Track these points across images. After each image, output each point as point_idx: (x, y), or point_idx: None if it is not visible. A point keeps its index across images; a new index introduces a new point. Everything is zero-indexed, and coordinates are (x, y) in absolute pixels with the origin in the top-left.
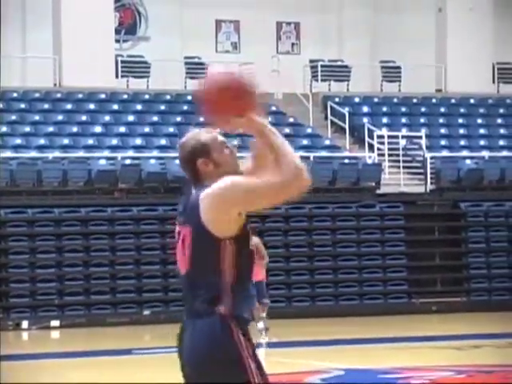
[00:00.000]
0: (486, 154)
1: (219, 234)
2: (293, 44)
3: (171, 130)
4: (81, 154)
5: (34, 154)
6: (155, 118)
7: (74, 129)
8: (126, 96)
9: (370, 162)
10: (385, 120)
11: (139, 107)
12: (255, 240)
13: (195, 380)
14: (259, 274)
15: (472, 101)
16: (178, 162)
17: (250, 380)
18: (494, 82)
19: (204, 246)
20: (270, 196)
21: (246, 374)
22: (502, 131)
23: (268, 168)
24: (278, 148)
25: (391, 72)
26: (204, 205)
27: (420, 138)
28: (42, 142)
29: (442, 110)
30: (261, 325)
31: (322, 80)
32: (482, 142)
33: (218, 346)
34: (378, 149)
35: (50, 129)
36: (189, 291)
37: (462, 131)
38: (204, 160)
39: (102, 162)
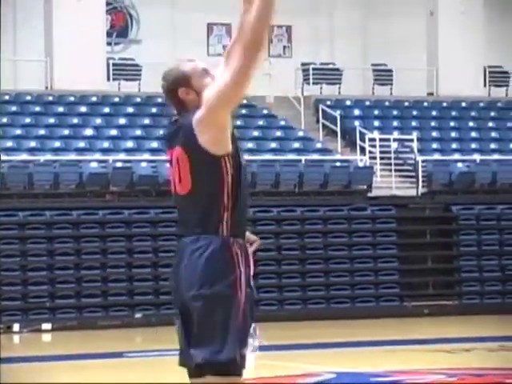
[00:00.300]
0: (477, 157)
1: (219, 151)
2: (284, 47)
3: (163, 132)
4: (72, 156)
5: (25, 156)
6: (147, 121)
7: (66, 132)
8: (117, 99)
9: (361, 165)
10: (376, 123)
11: (131, 110)
12: None
13: (189, 295)
14: None
15: (463, 104)
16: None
17: (239, 311)
18: (485, 85)
19: (204, 168)
20: (245, 76)
21: (238, 303)
22: (493, 134)
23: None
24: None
25: (383, 75)
26: (199, 128)
27: (412, 141)
28: (33, 144)
29: (434, 113)
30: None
31: (313, 83)
32: (473, 146)
33: (216, 261)
34: (370, 152)
35: (42, 132)
36: (188, 213)
37: (453, 134)
38: (185, 89)
39: (94, 164)
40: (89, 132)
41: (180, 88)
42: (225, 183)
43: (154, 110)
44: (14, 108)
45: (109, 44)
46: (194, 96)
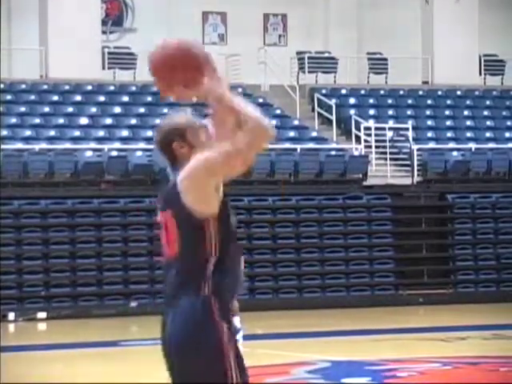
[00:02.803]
0: (472, 145)
1: (202, 212)
2: (280, 36)
3: (158, 121)
4: (67, 145)
5: (20, 145)
6: (142, 110)
7: (61, 120)
8: (112, 88)
9: (356, 153)
10: (372, 112)
11: (126, 99)
12: None
13: (176, 362)
14: None
15: (459, 93)
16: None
17: (226, 366)
18: (480, 73)
19: (188, 229)
20: (241, 156)
21: (223, 359)
22: (488, 123)
23: (229, 131)
24: (239, 111)
25: (378, 64)
26: (183, 187)
27: (407, 129)
28: (28, 133)
29: (429, 101)
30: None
31: (308, 72)
32: (468, 134)
33: (198, 326)
34: (365, 141)
35: (37, 120)
36: (173, 274)
37: (448, 123)
38: (179, 143)
39: (89, 153)
40: (84, 121)
41: (174, 141)
42: (209, 246)
43: (149, 98)
44: (8, 97)
45: (104, 33)
46: (188, 150)
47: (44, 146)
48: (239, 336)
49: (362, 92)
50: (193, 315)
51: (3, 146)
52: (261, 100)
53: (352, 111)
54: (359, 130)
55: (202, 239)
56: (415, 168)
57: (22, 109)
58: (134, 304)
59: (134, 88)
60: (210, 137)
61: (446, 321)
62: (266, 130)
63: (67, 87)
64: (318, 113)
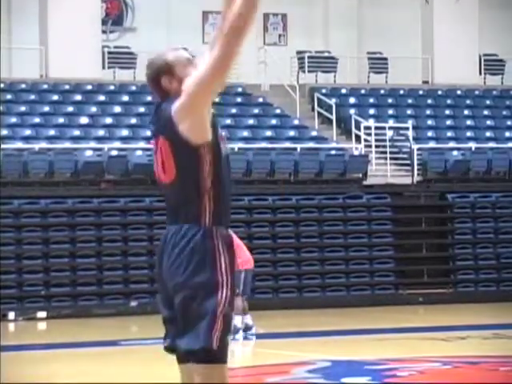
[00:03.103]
0: (472, 145)
1: (198, 139)
2: (280, 35)
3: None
4: (67, 145)
5: (20, 145)
6: (142, 110)
7: (61, 120)
8: (112, 87)
9: (356, 153)
10: (372, 111)
11: (126, 98)
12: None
13: (171, 285)
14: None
15: (459, 92)
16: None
17: (221, 288)
18: (480, 73)
19: (184, 156)
20: (224, 64)
21: (218, 282)
22: (488, 122)
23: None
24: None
25: (378, 63)
26: (178, 116)
27: (407, 129)
28: (28, 133)
29: (429, 101)
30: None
31: (308, 71)
32: (468, 134)
33: (197, 252)
34: (365, 140)
35: (37, 120)
36: (172, 201)
37: (448, 122)
38: (168, 77)
39: (89, 153)
40: (84, 120)
41: (163, 76)
42: (205, 172)
43: (149, 98)
44: (9, 96)
45: (104, 32)
46: (177, 85)
47: (44, 145)
48: (251, 333)
49: (362, 91)
50: (195, 246)
51: (3, 146)
52: (261, 99)
53: (352, 111)
54: (359, 129)
55: (199, 164)
56: (415, 167)
57: (22, 108)
58: (134, 303)
59: (133, 87)
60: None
61: (446, 320)
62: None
63: (67, 87)
64: (318, 112)
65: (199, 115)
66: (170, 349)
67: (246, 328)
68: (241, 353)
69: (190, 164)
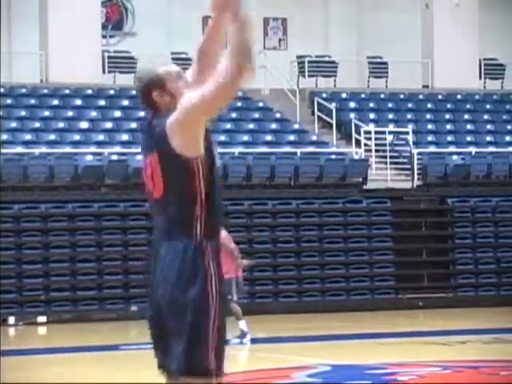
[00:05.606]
0: (472, 149)
1: (191, 154)
2: (280, 40)
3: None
4: (67, 149)
5: (20, 149)
6: (142, 114)
7: (61, 124)
8: (112, 92)
9: (356, 157)
10: (372, 116)
11: (126, 103)
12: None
13: (162, 301)
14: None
15: (459, 97)
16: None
17: (210, 303)
18: (480, 77)
19: (176, 171)
20: (224, 94)
21: (207, 297)
22: (488, 127)
23: (212, 66)
24: (237, 41)
25: (378, 68)
26: (172, 132)
27: (407, 133)
28: (28, 137)
29: (429, 105)
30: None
31: (309, 76)
32: (468, 138)
33: (188, 266)
34: (365, 144)
35: (37, 124)
36: (162, 216)
37: (448, 127)
38: (159, 91)
39: (89, 157)
40: (84, 125)
41: (154, 90)
42: (197, 186)
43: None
44: (9, 101)
45: (104, 37)
46: (168, 99)
47: (44, 149)
48: (246, 340)
49: (362, 96)
50: (185, 260)
51: (3, 150)
52: (261, 104)
53: (352, 115)
54: (359, 133)
55: (190, 179)
56: (415, 172)
57: (22, 113)
58: (134, 308)
59: (134, 92)
60: (188, 85)
61: (446, 325)
62: (244, 69)
63: (67, 91)
64: (318, 117)
65: (193, 132)
66: (161, 367)
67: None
68: (241, 357)
69: (182, 178)
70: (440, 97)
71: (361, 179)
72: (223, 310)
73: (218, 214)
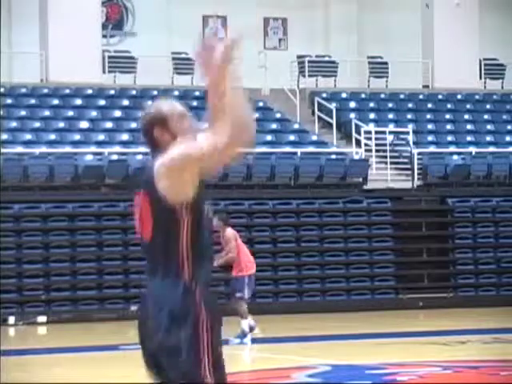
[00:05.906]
0: (473, 149)
1: (175, 199)
2: (280, 40)
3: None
4: (67, 149)
5: (20, 149)
6: (142, 114)
7: (61, 124)
8: (112, 91)
9: (357, 157)
10: (372, 116)
11: (126, 103)
12: (229, 233)
13: (155, 345)
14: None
15: (459, 96)
16: None
17: (200, 348)
18: (480, 77)
19: (162, 214)
20: (216, 155)
21: (199, 338)
22: (488, 127)
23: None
24: (230, 106)
25: (378, 68)
26: (158, 173)
27: (407, 133)
28: (28, 137)
29: (429, 105)
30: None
31: (309, 76)
32: (469, 138)
33: (178, 310)
34: (366, 144)
35: (37, 124)
36: (151, 258)
37: (449, 127)
38: (160, 129)
39: (89, 157)
40: (84, 125)
41: (156, 127)
42: (183, 232)
43: (149, 102)
44: (9, 101)
45: (104, 36)
46: (169, 138)
47: (44, 149)
48: (247, 339)
49: (363, 96)
50: (175, 304)
51: (3, 150)
52: (261, 104)
53: (352, 115)
54: (359, 133)
55: (175, 224)
56: (415, 172)
57: (23, 113)
58: (134, 308)
59: (134, 92)
60: (192, 125)
61: (447, 325)
62: (244, 134)
63: (67, 91)
64: (319, 117)
65: (180, 179)
66: None
67: (250, 329)
68: (241, 357)
69: (168, 222)
70: (440, 97)
71: (361, 179)
72: (216, 344)
73: (206, 258)
